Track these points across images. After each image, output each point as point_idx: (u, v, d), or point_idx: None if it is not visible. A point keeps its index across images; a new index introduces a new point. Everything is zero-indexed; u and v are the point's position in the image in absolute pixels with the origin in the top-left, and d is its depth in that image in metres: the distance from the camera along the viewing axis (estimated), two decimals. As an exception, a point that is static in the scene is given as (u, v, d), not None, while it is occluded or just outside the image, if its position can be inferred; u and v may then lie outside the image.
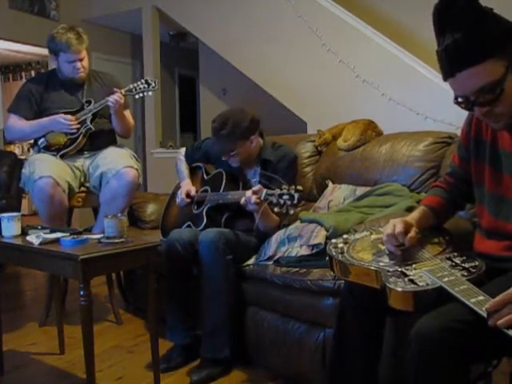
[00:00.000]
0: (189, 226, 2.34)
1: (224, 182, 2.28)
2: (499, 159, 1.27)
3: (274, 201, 1.88)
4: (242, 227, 2.23)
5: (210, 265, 2.04)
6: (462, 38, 1.09)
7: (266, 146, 2.35)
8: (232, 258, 2.06)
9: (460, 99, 1.16)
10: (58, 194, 2.47)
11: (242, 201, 2.01)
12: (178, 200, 2.46)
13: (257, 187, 1.99)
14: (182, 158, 2.61)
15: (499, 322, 0.95)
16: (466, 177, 1.41)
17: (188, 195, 2.42)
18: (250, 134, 2.23)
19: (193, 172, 2.58)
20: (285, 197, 1.86)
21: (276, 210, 1.88)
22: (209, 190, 2.38)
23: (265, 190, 1.94)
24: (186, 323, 2.19)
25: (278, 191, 1.89)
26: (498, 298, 0.98)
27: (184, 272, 2.18)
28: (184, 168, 2.58)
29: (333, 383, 1.47)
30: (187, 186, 2.47)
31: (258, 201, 1.96)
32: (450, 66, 1.12)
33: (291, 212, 1.88)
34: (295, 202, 1.84)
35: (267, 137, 2.43)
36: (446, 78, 1.16)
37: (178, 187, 2.58)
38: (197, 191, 2.44)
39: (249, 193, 1.99)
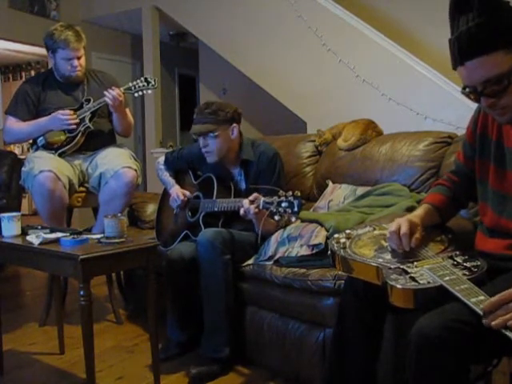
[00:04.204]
0: (186, 234, 2.31)
1: (216, 187, 2.24)
2: (504, 157, 1.27)
3: (274, 210, 1.83)
4: (239, 227, 2.22)
5: (208, 264, 2.04)
6: (476, 27, 1.10)
7: (245, 145, 2.32)
8: (230, 258, 2.06)
9: (468, 89, 1.16)
10: (58, 188, 2.45)
11: (241, 212, 1.99)
12: (175, 204, 2.39)
13: (253, 196, 1.96)
14: (163, 167, 2.57)
15: (493, 323, 0.96)
16: (470, 174, 1.41)
17: (185, 196, 2.39)
18: (232, 121, 2.24)
19: (180, 175, 2.54)
20: (284, 204, 1.81)
21: (276, 218, 1.82)
22: (201, 195, 2.35)
23: (262, 199, 1.91)
24: (184, 325, 2.22)
25: (276, 199, 1.84)
26: (494, 299, 0.99)
27: (185, 285, 2.19)
28: (168, 176, 2.53)
29: (332, 380, 1.47)
30: (181, 190, 2.42)
31: (256, 210, 1.94)
32: (460, 53, 1.13)
33: (293, 220, 1.84)
34: (295, 209, 1.79)
35: (271, 136, 2.41)
36: (455, 67, 1.16)
37: (166, 193, 2.54)
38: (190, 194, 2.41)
39: (246, 203, 1.96)
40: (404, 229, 1.29)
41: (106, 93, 2.58)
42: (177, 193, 2.40)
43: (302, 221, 2.13)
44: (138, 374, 2.10)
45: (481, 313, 0.98)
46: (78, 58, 2.64)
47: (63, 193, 2.49)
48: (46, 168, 2.44)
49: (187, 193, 2.40)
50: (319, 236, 1.96)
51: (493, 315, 0.97)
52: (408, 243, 1.29)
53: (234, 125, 2.25)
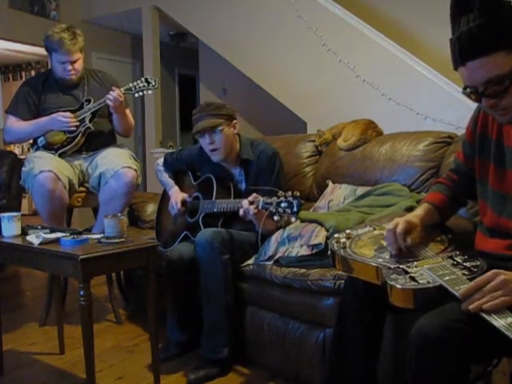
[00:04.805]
0: (186, 235, 2.31)
1: (215, 188, 2.24)
2: (504, 156, 1.27)
3: (273, 210, 1.83)
4: (239, 227, 2.21)
5: (207, 264, 2.04)
6: (477, 27, 1.10)
7: (244, 144, 2.33)
8: (229, 258, 2.05)
9: (468, 89, 1.16)
10: (58, 189, 2.45)
11: (241, 213, 1.99)
12: (174, 211, 2.38)
13: (252, 196, 1.96)
14: (162, 168, 2.57)
15: (470, 307, 1.00)
16: (470, 173, 1.41)
17: (183, 203, 2.38)
18: (232, 118, 2.28)
19: (179, 176, 2.54)
20: (283, 205, 1.81)
21: (276, 218, 1.82)
22: (200, 196, 2.35)
23: (261, 199, 1.91)
24: (184, 325, 2.22)
25: (275, 199, 1.84)
26: (471, 284, 1.03)
27: (185, 285, 2.19)
28: (167, 177, 2.53)
29: (332, 380, 1.47)
30: (180, 194, 2.42)
31: (256, 211, 1.94)
32: (461, 54, 1.13)
33: (292, 220, 1.85)
34: (295, 209, 1.79)
35: (271, 136, 2.43)
36: (456, 67, 1.16)
37: (166, 194, 2.53)
38: (189, 196, 2.41)
39: (246, 204, 1.96)
40: (400, 228, 1.30)
41: (107, 95, 2.58)
42: (175, 200, 2.38)
43: (302, 221, 2.13)
44: (137, 374, 2.10)
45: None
46: (73, 62, 2.62)
47: (63, 193, 2.49)
48: (46, 168, 2.43)
49: (186, 196, 2.40)
50: (319, 236, 1.96)
51: (469, 299, 1.01)
52: (401, 241, 1.29)
53: (235, 121, 2.29)
